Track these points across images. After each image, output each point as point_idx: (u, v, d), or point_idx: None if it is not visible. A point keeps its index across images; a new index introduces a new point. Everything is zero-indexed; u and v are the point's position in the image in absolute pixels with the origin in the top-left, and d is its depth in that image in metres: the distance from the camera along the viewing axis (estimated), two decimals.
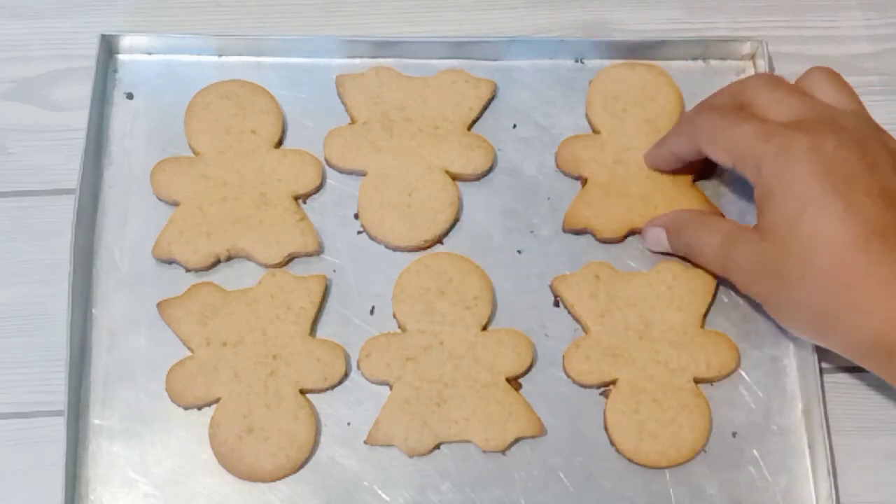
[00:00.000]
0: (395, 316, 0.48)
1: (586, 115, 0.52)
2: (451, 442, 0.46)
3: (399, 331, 0.48)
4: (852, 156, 0.42)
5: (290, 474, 0.46)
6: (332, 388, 0.47)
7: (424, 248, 0.50)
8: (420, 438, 0.46)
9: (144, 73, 0.53)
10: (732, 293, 0.49)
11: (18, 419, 0.47)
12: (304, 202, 0.50)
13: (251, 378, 0.46)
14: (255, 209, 0.49)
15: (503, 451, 0.46)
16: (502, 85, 0.53)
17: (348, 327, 0.48)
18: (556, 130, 0.52)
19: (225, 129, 0.50)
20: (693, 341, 0.47)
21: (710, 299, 0.48)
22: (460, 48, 0.53)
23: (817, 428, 0.46)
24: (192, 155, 0.50)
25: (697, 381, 0.47)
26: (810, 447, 0.47)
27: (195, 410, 0.46)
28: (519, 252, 0.50)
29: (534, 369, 0.48)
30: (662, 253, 0.49)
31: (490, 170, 0.51)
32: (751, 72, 0.54)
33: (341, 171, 0.51)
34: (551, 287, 0.49)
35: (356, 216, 0.50)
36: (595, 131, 0.52)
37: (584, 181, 0.51)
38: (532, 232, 0.50)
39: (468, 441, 0.46)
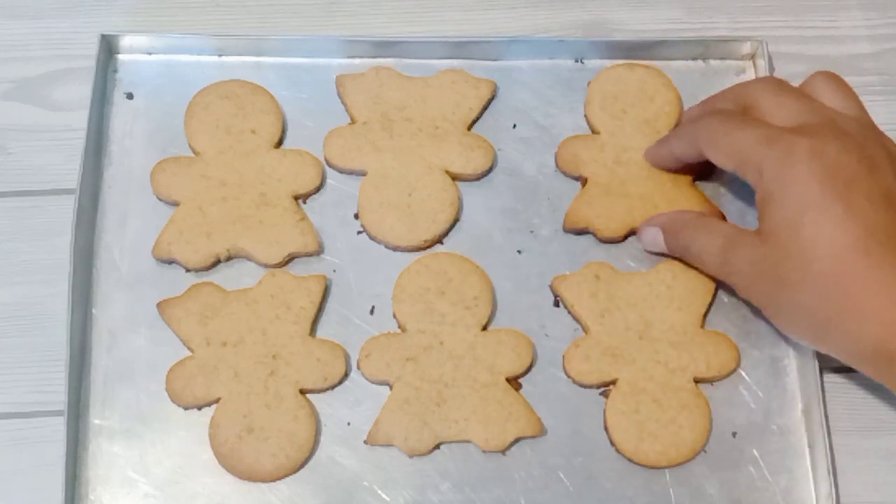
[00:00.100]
0: (395, 316, 0.48)
1: (585, 115, 0.52)
2: (451, 442, 0.46)
3: (399, 331, 0.48)
4: (853, 160, 0.42)
5: (290, 474, 0.46)
6: (332, 388, 0.47)
7: (424, 248, 0.50)
8: (420, 438, 0.46)
9: (144, 73, 0.53)
10: (732, 293, 0.49)
11: (18, 419, 0.47)
12: (304, 202, 0.50)
13: (251, 378, 0.46)
14: (255, 209, 0.49)
15: (503, 451, 0.46)
16: (502, 85, 0.53)
17: (348, 327, 0.48)
18: (556, 130, 0.52)
19: (225, 129, 0.50)
20: (693, 341, 0.47)
21: (709, 299, 0.48)
22: (460, 48, 0.53)
23: (817, 428, 0.46)
24: (192, 155, 0.50)
25: (697, 381, 0.47)
26: (810, 447, 0.47)
27: (195, 410, 0.46)
28: (519, 252, 0.50)
29: (534, 369, 0.48)
30: (659, 254, 0.49)
31: (490, 170, 0.51)
32: (751, 72, 0.54)
33: (341, 171, 0.51)
34: (551, 287, 0.49)
35: (356, 216, 0.50)
36: (594, 132, 0.52)
37: (584, 181, 0.51)
38: (532, 232, 0.50)
39: (468, 441, 0.46)
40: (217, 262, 0.49)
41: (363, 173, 0.50)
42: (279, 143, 0.51)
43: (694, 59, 0.54)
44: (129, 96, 0.52)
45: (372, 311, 0.49)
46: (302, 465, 0.46)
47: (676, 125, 0.51)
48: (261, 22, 0.55)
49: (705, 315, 0.48)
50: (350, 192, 0.50)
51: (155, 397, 0.46)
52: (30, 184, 0.51)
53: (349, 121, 0.52)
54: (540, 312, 0.49)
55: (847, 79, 0.54)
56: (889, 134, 0.53)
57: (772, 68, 0.53)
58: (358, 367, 0.47)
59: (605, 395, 0.47)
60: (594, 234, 0.50)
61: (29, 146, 0.51)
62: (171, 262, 0.49)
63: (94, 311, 0.48)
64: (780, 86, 0.46)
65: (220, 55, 0.53)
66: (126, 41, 0.52)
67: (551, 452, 0.47)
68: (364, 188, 0.50)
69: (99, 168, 0.50)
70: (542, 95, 0.53)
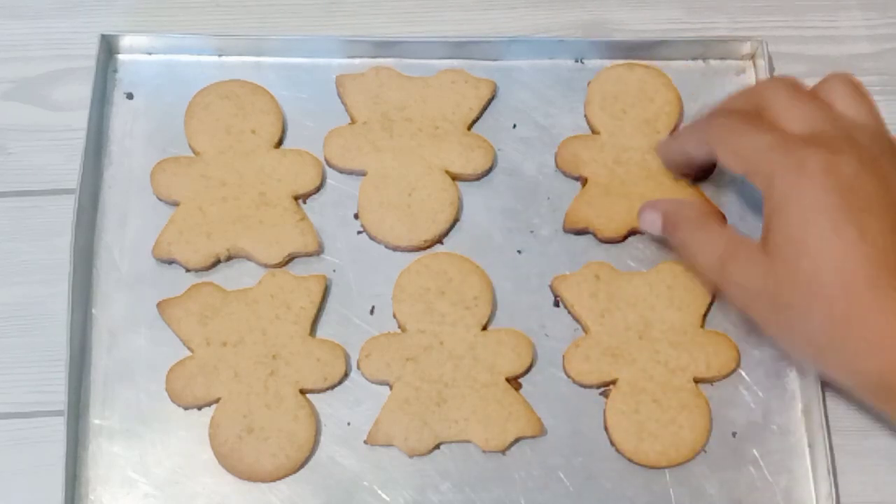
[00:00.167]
0: (395, 316, 0.48)
1: (585, 115, 0.52)
2: (451, 442, 0.46)
3: (399, 331, 0.48)
4: (868, 180, 0.40)
5: (290, 474, 0.46)
6: (332, 388, 0.47)
7: (424, 248, 0.50)
8: (420, 438, 0.46)
9: (144, 73, 0.53)
10: None
11: (18, 419, 0.47)
12: (304, 202, 0.50)
13: (251, 378, 0.46)
14: (255, 209, 0.49)
15: (503, 451, 0.46)
16: (502, 85, 0.53)
17: (348, 327, 0.48)
18: (556, 130, 0.52)
19: (225, 129, 0.50)
20: (693, 341, 0.47)
21: (710, 299, 0.48)
22: (460, 48, 0.53)
23: (817, 428, 0.46)
24: (192, 155, 0.50)
25: (697, 381, 0.47)
26: (810, 447, 0.47)
27: (195, 410, 0.46)
28: (519, 252, 0.50)
29: (534, 369, 0.48)
30: (658, 239, 0.49)
31: (490, 170, 0.51)
32: (751, 72, 0.54)
33: (341, 171, 0.51)
34: (551, 287, 0.49)
35: (356, 216, 0.50)
36: (594, 132, 0.52)
37: (584, 181, 0.51)
38: (532, 232, 0.50)
39: (468, 441, 0.46)
40: (217, 262, 0.49)
41: (363, 173, 0.50)
42: (279, 143, 0.51)
43: (694, 59, 0.54)
44: (129, 96, 0.52)
45: (372, 311, 0.49)
46: (302, 465, 0.46)
47: (675, 128, 0.51)
48: (261, 22, 0.55)
49: (705, 315, 0.48)
50: (350, 192, 0.50)
51: (155, 397, 0.46)
52: (30, 184, 0.51)
53: (349, 121, 0.52)
54: (540, 312, 0.49)
55: None
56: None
57: (772, 68, 0.53)
58: (358, 367, 0.47)
59: (605, 395, 0.47)
60: (594, 234, 0.50)
61: (29, 146, 0.51)
62: (171, 262, 0.49)
63: (94, 311, 0.48)
64: (795, 89, 0.44)
65: (220, 55, 0.53)
66: (126, 41, 0.52)
67: (551, 452, 0.47)
68: (364, 188, 0.50)
69: (99, 168, 0.50)
70: (542, 95, 0.53)
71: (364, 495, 0.46)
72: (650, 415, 0.46)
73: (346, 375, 0.47)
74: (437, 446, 0.46)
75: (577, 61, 0.54)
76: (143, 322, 0.48)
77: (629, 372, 0.47)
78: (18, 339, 0.48)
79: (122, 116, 0.52)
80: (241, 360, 0.46)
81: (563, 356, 0.48)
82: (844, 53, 0.55)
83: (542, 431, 0.46)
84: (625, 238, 0.50)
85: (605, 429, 0.47)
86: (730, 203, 0.51)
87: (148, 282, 0.48)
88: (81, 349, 0.47)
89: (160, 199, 0.50)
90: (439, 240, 0.50)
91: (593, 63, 0.54)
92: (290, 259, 0.49)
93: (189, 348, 0.47)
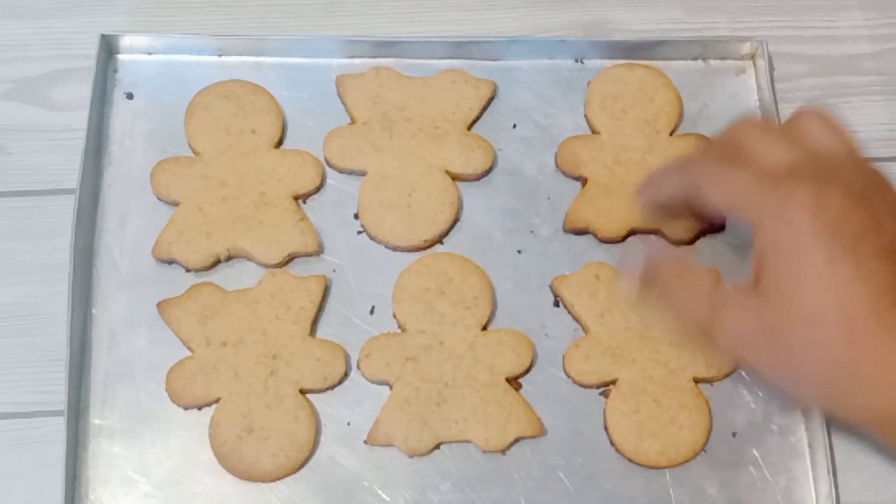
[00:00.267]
0: (395, 316, 0.48)
1: (585, 115, 0.52)
2: (451, 442, 0.46)
3: (399, 331, 0.48)
4: (856, 211, 0.39)
5: (290, 474, 0.46)
6: (332, 388, 0.47)
7: (424, 248, 0.50)
8: (420, 438, 0.46)
9: (144, 73, 0.53)
10: None
11: (18, 419, 0.47)
12: (304, 202, 0.50)
13: (251, 378, 0.46)
14: (255, 209, 0.49)
15: (503, 451, 0.46)
16: (502, 85, 0.53)
17: (348, 327, 0.48)
18: (556, 130, 0.52)
19: (225, 129, 0.50)
20: (693, 341, 0.47)
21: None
22: (460, 48, 0.53)
23: (817, 428, 0.46)
24: (192, 155, 0.50)
25: (697, 381, 0.47)
26: (810, 447, 0.47)
27: (195, 410, 0.46)
28: (519, 252, 0.50)
29: (534, 369, 0.48)
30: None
31: (490, 170, 0.51)
32: (751, 72, 0.54)
33: (341, 171, 0.51)
34: (551, 287, 0.49)
35: (356, 216, 0.50)
36: (594, 132, 0.52)
37: (584, 181, 0.51)
38: (532, 232, 0.50)
39: (468, 441, 0.46)
40: (217, 262, 0.49)
41: (363, 173, 0.50)
42: (279, 143, 0.51)
43: (694, 59, 0.54)
44: (129, 96, 0.52)
45: (372, 311, 0.49)
46: (302, 465, 0.46)
47: (675, 128, 0.51)
48: (261, 22, 0.55)
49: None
50: (350, 192, 0.50)
51: (155, 397, 0.46)
52: (30, 184, 0.51)
53: (349, 121, 0.52)
54: (540, 312, 0.49)
55: (847, 79, 0.54)
56: (889, 134, 0.53)
57: (772, 68, 0.53)
58: (358, 367, 0.47)
59: (605, 395, 0.47)
60: (594, 234, 0.50)
61: (29, 146, 0.51)
62: (171, 262, 0.49)
63: (94, 311, 0.48)
64: (766, 126, 0.43)
65: (220, 55, 0.53)
66: (126, 41, 0.52)
67: (551, 452, 0.47)
68: (364, 188, 0.50)
69: (99, 168, 0.50)
70: (542, 95, 0.53)
71: (364, 495, 0.46)
72: (650, 415, 0.46)
73: (346, 375, 0.47)
74: (437, 446, 0.46)
75: (577, 61, 0.54)
76: (143, 322, 0.48)
77: (629, 372, 0.47)
78: (18, 339, 0.48)
79: (122, 116, 0.52)
80: (241, 360, 0.46)
81: (563, 356, 0.48)
82: (844, 53, 0.55)
83: (542, 431, 0.46)
84: (625, 238, 0.50)
85: (605, 429, 0.47)
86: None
87: (148, 282, 0.48)
88: (81, 349, 0.47)
89: (160, 199, 0.50)
90: (439, 240, 0.50)
91: (593, 63, 0.54)
92: (290, 259, 0.49)
93: (189, 348, 0.47)
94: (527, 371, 0.47)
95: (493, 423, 0.46)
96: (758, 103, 0.53)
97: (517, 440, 0.46)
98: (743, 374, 0.48)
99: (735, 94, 0.53)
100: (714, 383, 0.48)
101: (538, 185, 0.51)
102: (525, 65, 0.53)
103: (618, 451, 0.46)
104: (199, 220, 0.48)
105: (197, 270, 0.49)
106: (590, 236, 0.50)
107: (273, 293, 0.47)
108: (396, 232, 0.49)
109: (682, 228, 0.49)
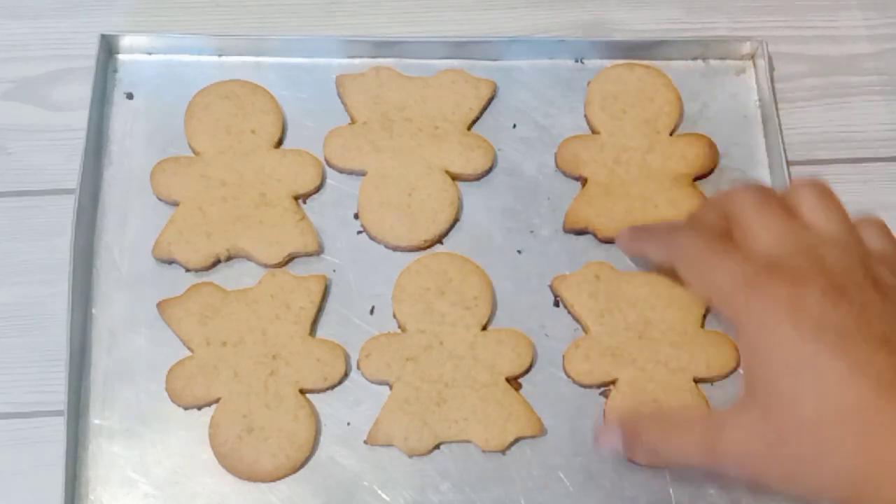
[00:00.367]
0: (395, 316, 0.48)
1: (585, 115, 0.52)
2: (451, 442, 0.46)
3: (399, 331, 0.48)
4: (839, 307, 0.37)
5: (290, 474, 0.46)
6: (332, 388, 0.47)
7: (424, 248, 0.50)
8: (420, 438, 0.46)
9: (144, 73, 0.53)
10: None
11: (18, 419, 0.47)
12: (304, 202, 0.50)
13: (251, 378, 0.46)
14: (255, 209, 0.49)
15: (503, 451, 0.46)
16: (502, 85, 0.53)
17: (348, 327, 0.48)
18: (556, 130, 0.52)
19: (225, 129, 0.50)
20: (693, 341, 0.47)
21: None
22: (460, 48, 0.53)
23: None
24: (192, 155, 0.50)
25: (697, 381, 0.47)
26: None
27: (195, 410, 0.46)
28: (519, 252, 0.50)
29: (534, 369, 0.48)
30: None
31: (490, 170, 0.51)
32: (751, 72, 0.54)
33: (341, 171, 0.51)
34: (551, 287, 0.49)
35: (356, 216, 0.50)
36: (594, 132, 0.52)
37: (584, 181, 0.51)
38: (532, 232, 0.50)
39: (468, 441, 0.46)
40: (217, 262, 0.49)
41: (363, 173, 0.50)
42: (279, 143, 0.51)
43: (694, 59, 0.54)
44: (129, 96, 0.52)
45: (372, 311, 0.49)
46: (302, 465, 0.46)
47: (675, 128, 0.51)
48: (261, 22, 0.55)
49: (705, 315, 0.48)
50: (350, 192, 0.50)
51: (155, 397, 0.46)
52: (30, 184, 0.51)
53: (349, 121, 0.52)
54: (540, 312, 0.49)
55: (847, 79, 0.54)
56: (889, 134, 0.53)
57: (772, 68, 0.53)
58: (358, 367, 0.47)
59: (605, 395, 0.47)
60: (594, 234, 0.50)
61: (29, 146, 0.51)
62: (171, 262, 0.49)
63: (94, 311, 0.48)
64: (764, 201, 0.42)
65: (220, 55, 0.53)
66: (126, 41, 0.52)
67: (551, 452, 0.46)
68: (364, 188, 0.50)
69: (99, 168, 0.50)
70: (542, 95, 0.53)
71: (364, 495, 0.46)
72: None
73: (346, 375, 0.47)
74: (437, 446, 0.46)
75: (577, 61, 0.54)
76: (143, 322, 0.48)
77: (629, 372, 0.47)
78: (18, 339, 0.48)
79: (122, 116, 0.52)
80: (241, 360, 0.46)
81: (563, 356, 0.48)
82: (844, 53, 0.55)
83: (542, 431, 0.46)
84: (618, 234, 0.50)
85: None
86: None
87: (148, 282, 0.48)
88: (81, 349, 0.47)
89: (160, 199, 0.50)
90: (439, 240, 0.50)
91: (593, 63, 0.54)
92: (290, 259, 0.49)
93: (189, 348, 0.47)
94: (527, 371, 0.47)
95: (493, 423, 0.46)
96: (758, 103, 0.53)
97: (517, 440, 0.46)
98: (743, 374, 0.48)
99: (735, 94, 0.53)
100: (714, 383, 0.48)
101: (538, 185, 0.51)
102: (525, 65, 0.53)
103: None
104: (199, 220, 0.48)
105: (197, 270, 0.49)
106: (590, 236, 0.50)
107: (273, 293, 0.47)
108: (396, 232, 0.49)
109: None
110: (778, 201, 0.42)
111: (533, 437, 0.46)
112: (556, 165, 0.51)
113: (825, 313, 0.37)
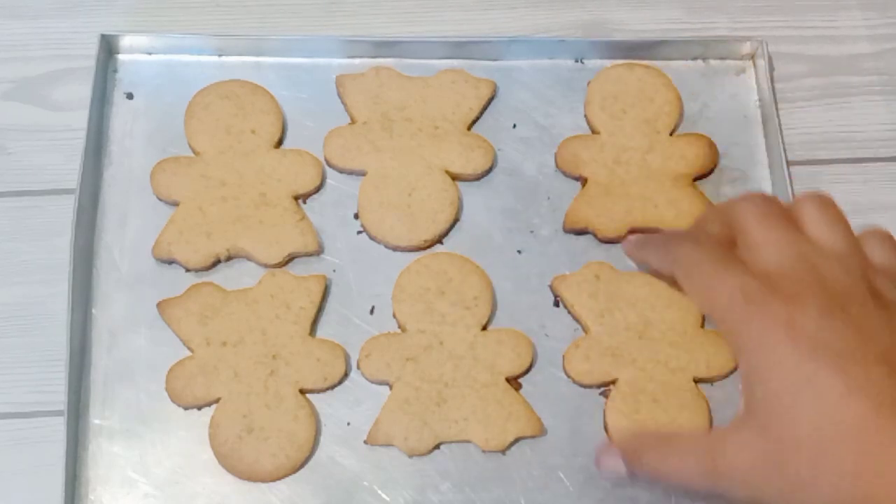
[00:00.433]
0: (395, 316, 0.48)
1: (585, 115, 0.52)
2: (451, 442, 0.46)
3: (399, 331, 0.48)
4: (836, 326, 0.37)
5: (290, 474, 0.46)
6: (332, 388, 0.47)
7: (424, 248, 0.50)
8: (420, 438, 0.46)
9: (144, 73, 0.53)
10: None
11: (18, 419, 0.47)
12: (304, 202, 0.50)
13: (251, 378, 0.46)
14: (255, 209, 0.49)
15: (503, 451, 0.46)
16: (502, 85, 0.53)
17: (348, 327, 0.48)
18: (556, 130, 0.52)
19: (225, 129, 0.50)
20: (693, 341, 0.47)
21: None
22: (460, 48, 0.53)
23: None
24: (192, 155, 0.50)
25: (697, 381, 0.47)
26: None
27: (195, 410, 0.46)
28: (519, 252, 0.50)
29: (534, 369, 0.48)
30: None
31: (490, 170, 0.51)
32: (751, 72, 0.54)
33: (341, 171, 0.51)
34: (551, 287, 0.49)
35: (356, 216, 0.50)
36: (594, 132, 0.52)
37: (584, 181, 0.51)
38: (532, 232, 0.50)
39: (468, 441, 0.46)
40: (217, 262, 0.49)
41: (363, 173, 0.50)
42: (279, 143, 0.51)
43: (694, 59, 0.54)
44: (129, 96, 0.52)
45: (372, 311, 0.49)
46: (302, 465, 0.46)
47: (675, 128, 0.51)
48: (261, 22, 0.55)
49: (705, 315, 0.48)
50: (350, 192, 0.50)
51: (155, 397, 0.46)
52: (30, 184, 0.51)
53: (349, 121, 0.52)
54: (540, 312, 0.49)
55: (847, 79, 0.54)
56: (889, 134, 0.53)
57: (772, 68, 0.53)
58: (358, 367, 0.47)
59: (605, 395, 0.47)
60: (594, 234, 0.50)
61: (29, 146, 0.51)
62: (171, 262, 0.49)
63: (94, 311, 0.48)
64: (767, 211, 0.41)
65: (220, 55, 0.53)
66: (126, 41, 0.52)
67: (551, 452, 0.47)
68: (364, 188, 0.50)
69: (99, 168, 0.50)
70: (542, 95, 0.53)
71: (364, 495, 0.46)
72: (650, 415, 0.46)
73: (346, 375, 0.47)
74: (437, 446, 0.46)
75: (577, 61, 0.54)
76: (143, 322, 0.48)
77: (629, 372, 0.47)
78: (18, 339, 0.48)
79: (122, 116, 0.52)
80: (241, 360, 0.46)
81: (563, 356, 0.48)
82: (844, 53, 0.55)
83: (542, 431, 0.46)
84: (625, 238, 0.50)
85: (605, 429, 0.47)
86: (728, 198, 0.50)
87: (148, 282, 0.48)
88: (81, 349, 0.47)
89: (160, 199, 0.50)
90: (439, 240, 0.50)
91: (593, 63, 0.54)
92: (290, 259, 0.49)
93: (189, 348, 0.47)
94: (527, 371, 0.47)
95: (493, 423, 0.46)
96: (758, 103, 0.53)
97: (517, 440, 0.46)
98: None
99: (735, 94, 0.53)
100: (714, 383, 0.48)
101: (538, 185, 0.51)
102: (525, 65, 0.53)
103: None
104: (199, 220, 0.48)
105: (197, 270, 0.49)
106: (590, 236, 0.50)
107: (273, 293, 0.47)
108: (396, 232, 0.49)
109: None
110: (782, 213, 0.41)
111: (533, 437, 0.46)
112: (556, 165, 0.51)
113: (823, 331, 0.37)
